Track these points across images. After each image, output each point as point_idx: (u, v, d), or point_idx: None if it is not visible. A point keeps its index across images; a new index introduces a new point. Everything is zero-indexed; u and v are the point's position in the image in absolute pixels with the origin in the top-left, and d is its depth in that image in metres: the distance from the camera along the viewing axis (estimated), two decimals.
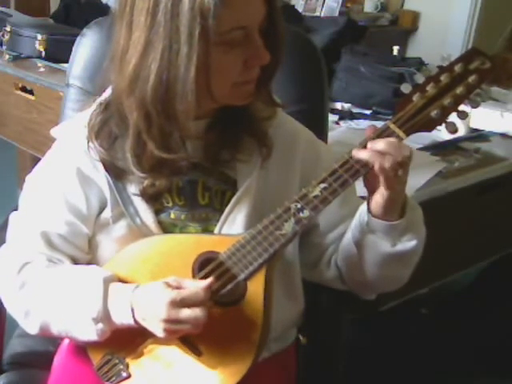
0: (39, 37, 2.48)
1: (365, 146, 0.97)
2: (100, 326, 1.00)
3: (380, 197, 1.00)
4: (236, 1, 0.94)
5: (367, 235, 1.06)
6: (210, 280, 0.96)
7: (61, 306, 1.03)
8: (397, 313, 1.83)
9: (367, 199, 1.04)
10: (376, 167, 0.95)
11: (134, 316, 0.98)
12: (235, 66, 0.99)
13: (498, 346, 2.33)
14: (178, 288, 0.95)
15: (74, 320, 1.02)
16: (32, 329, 1.07)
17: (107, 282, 1.01)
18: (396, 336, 2.34)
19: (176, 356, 1.02)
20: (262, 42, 0.99)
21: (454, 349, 2.29)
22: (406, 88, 0.97)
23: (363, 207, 1.06)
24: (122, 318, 0.99)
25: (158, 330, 0.96)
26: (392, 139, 0.96)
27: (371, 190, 1.01)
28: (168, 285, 0.96)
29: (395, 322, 2.30)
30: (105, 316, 0.99)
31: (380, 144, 0.95)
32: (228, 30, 0.95)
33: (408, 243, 1.05)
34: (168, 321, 0.94)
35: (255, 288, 1.01)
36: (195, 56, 0.93)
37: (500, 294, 2.56)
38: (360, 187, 1.05)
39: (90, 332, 1.01)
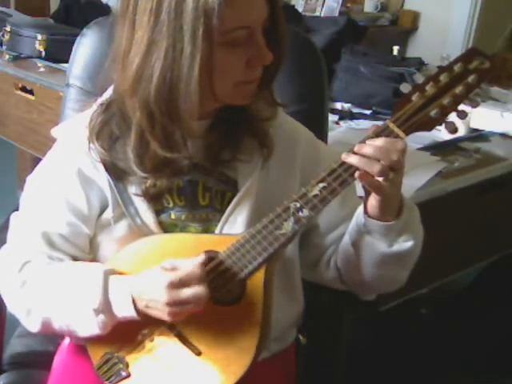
0: (39, 37, 2.48)
1: None
2: (101, 317, 1.00)
3: (374, 199, 1.00)
4: (240, 1, 0.94)
5: (364, 236, 1.06)
6: (202, 256, 0.97)
7: (62, 300, 1.03)
8: (397, 313, 1.83)
9: (364, 200, 1.04)
10: (363, 173, 0.95)
11: (136, 306, 0.98)
12: (238, 66, 0.99)
13: (498, 346, 2.33)
14: (173, 270, 0.96)
15: (75, 313, 1.02)
16: (34, 326, 1.07)
17: (107, 274, 1.01)
18: (396, 336, 2.34)
19: (175, 355, 1.02)
20: (265, 41, 0.99)
21: (454, 349, 2.29)
22: (405, 88, 0.97)
23: (360, 208, 1.06)
24: (123, 310, 0.99)
25: (163, 314, 0.96)
26: (379, 143, 0.95)
27: (367, 190, 1.02)
28: (164, 268, 0.96)
29: (395, 321, 2.30)
30: (106, 307, 0.99)
31: (367, 149, 0.95)
32: (231, 30, 0.95)
33: (404, 244, 1.05)
34: (171, 303, 0.94)
35: (255, 287, 1.01)
36: (199, 55, 0.93)
37: (500, 294, 2.56)
38: (360, 187, 1.05)
39: (91, 324, 1.01)
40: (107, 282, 1.00)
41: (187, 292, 0.94)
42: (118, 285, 1.00)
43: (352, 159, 0.96)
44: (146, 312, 0.98)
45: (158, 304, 0.96)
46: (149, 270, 0.99)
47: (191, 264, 0.96)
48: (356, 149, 0.96)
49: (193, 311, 0.96)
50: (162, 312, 0.96)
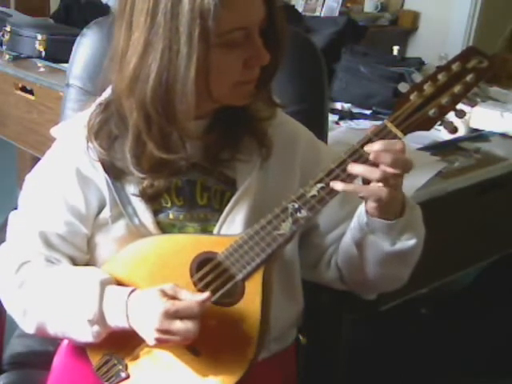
0: (39, 37, 2.48)
1: (362, 146, 0.96)
2: (96, 328, 1.00)
3: (374, 202, 1.00)
4: (236, 2, 0.94)
5: (367, 235, 1.06)
6: (206, 294, 0.96)
7: (57, 306, 1.03)
8: (397, 313, 1.83)
9: (365, 201, 1.04)
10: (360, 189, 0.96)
11: (128, 320, 0.98)
12: (235, 67, 0.99)
13: (498, 346, 2.33)
14: (173, 298, 0.95)
15: (70, 321, 1.02)
16: (29, 328, 1.07)
17: (104, 284, 1.01)
18: (396, 336, 2.34)
19: (175, 356, 1.02)
20: (262, 41, 0.99)
21: (454, 349, 2.29)
22: (403, 87, 0.97)
23: (362, 208, 1.06)
24: (117, 322, 0.99)
25: (148, 337, 0.96)
26: (376, 147, 0.95)
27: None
28: (164, 293, 0.95)
29: (395, 321, 2.30)
30: (100, 318, 1.00)
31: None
32: (228, 31, 0.95)
33: (407, 242, 1.05)
34: (160, 331, 0.94)
35: (253, 288, 1.00)
36: (195, 56, 0.93)
37: (500, 294, 2.56)
38: None
39: (85, 333, 1.01)
40: (103, 294, 1.00)
41: (179, 325, 0.93)
42: (113, 297, 1.00)
43: (356, 169, 0.95)
44: (135, 329, 0.98)
45: (147, 327, 0.95)
46: (148, 286, 0.98)
47: (193, 299, 0.95)
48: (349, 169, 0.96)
49: (178, 343, 0.96)
50: (148, 335, 0.96)
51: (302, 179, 1.11)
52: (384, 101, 2.26)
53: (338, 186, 0.96)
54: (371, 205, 1.01)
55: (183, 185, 1.09)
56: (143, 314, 0.96)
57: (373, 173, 0.94)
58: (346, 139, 1.92)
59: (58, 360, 1.19)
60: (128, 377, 1.05)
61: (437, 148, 1.97)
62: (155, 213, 1.08)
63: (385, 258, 1.07)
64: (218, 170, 1.10)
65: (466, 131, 2.12)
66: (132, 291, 1.00)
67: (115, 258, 1.07)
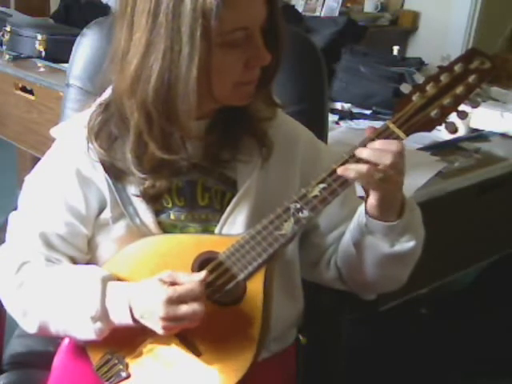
0: (39, 37, 2.48)
1: (364, 147, 0.96)
2: (98, 324, 1.00)
3: (373, 198, 1.00)
4: (238, 2, 0.94)
5: (366, 236, 1.06)
6: (204, 273, 0.96)
7: (59, 304, 1.03)
8: (397, 313, 1.83)
9: (365, 200, 1.04)
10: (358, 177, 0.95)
11: (132, 314, 0.98)
12: (236, 67, 0.99)
13: (498, 346, 2.33)
14: (172, 284, 0.95)
15: (72, 319, 1.02)
16: (31, 328, 1.07)
17: (105, 280, 1.01)
18: (396, 336, 2.34)
19: (175, 356, 1.02)
20: (263, 42, 0.99)
21: (454, 349, 2.29)
22: (405, 88, 0.96)
23: (361, 208, 1.06)
24: (120, 318, 0.99)
25: (156, 327, 0.96)
26: (375, 146, 0.95)
27: (367, 190, 1.02)
28: (163, 281, 0.96)
29: (395, 321, 2.30)
30: (103, 315, 1.00)
31: (363, 153, 0.95)
32: (230, 31, 0.95)
33: (406, 244, 1.05)
34: (166, 319, 0.94)
35: (254, 288, 1.01)
36: (197, 56, 0.93)
37: (500, 294, 2.56)
38: (360, 187, 1.04)
39: (88, 331, 1.01)
40: (105, 290, 1.00)
41: (184, 309, 0.94)
42: (115, 293, 1.00)
43: (349, 172, 0.95)
44: (141, 322, 0.98)
45: (153, 317, 0.96)
46: (147, 279, 0.98)
47: (191, 280, 0.95)
48: (357, 152, 0.95)
49: (187, 327, 0.97)
50: (156, 325, 0.96)
51: (302, 179, 1.11)
52: (384, 101, 2.26)
53: (341, 170, 0.95)
54: (371, 202, 1.01)
55: (184, 185, 1.09)
56: (146, 305, 0.97)
57: (382, 157, 0.94)
58: (346, 139, 1.92)
59: (58, 360, 1.19)
60: (128, 376, 1.05)
61: (437, 148, 1.97)
62: (156, 213, 1.08)
63: (383, 259, 1.07)
64: (219, 170, 1.10)
65: (466, 131, 2.12)
66: (133, 285, 1.00)
67: (115, 258, 1.07)
